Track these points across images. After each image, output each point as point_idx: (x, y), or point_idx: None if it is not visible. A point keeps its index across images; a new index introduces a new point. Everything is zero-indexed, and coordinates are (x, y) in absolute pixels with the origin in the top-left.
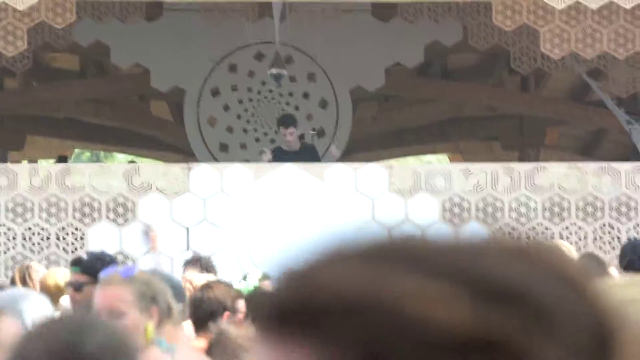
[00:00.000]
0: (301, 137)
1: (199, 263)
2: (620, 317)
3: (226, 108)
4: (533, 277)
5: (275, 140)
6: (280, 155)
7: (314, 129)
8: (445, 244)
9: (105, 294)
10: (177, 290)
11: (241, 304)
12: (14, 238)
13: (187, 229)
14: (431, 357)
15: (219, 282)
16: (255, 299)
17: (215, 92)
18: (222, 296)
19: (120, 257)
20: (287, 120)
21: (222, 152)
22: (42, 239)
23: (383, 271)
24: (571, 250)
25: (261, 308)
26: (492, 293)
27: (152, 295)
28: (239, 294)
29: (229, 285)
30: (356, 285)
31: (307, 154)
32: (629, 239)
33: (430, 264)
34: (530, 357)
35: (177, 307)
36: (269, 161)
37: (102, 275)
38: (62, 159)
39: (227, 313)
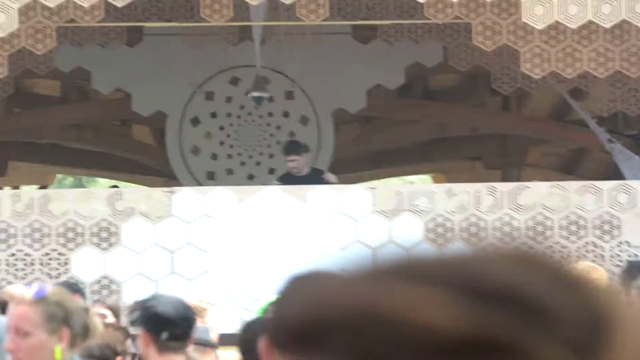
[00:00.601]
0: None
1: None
2: (616, 314)
3: (208, 136)
4: (525, 278)
5: (261, 162)
6: (288, 181)
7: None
8: (439, 255)
9: (14, 313)
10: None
11: (129, 344)
12: None
13: (171, 252)
14: None
15: (107, 325)
16: (263, 320)
17: (195, 120)
18: (111, 341)
19: (105, 282)
20: (288, 148)
21: (209, 180)
22: (26, 265)
23: (381, 286)
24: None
25: (268, 327)
26: (483, 295)
27: (63, 316)
28: (126, 335)
29: (117, 328)
30: (355, 301)
31: (314, 178)
32: (629, 261)
33: (424, 274)
34: (526, 353)
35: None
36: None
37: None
38: (43, 188)
39: (118, 358)
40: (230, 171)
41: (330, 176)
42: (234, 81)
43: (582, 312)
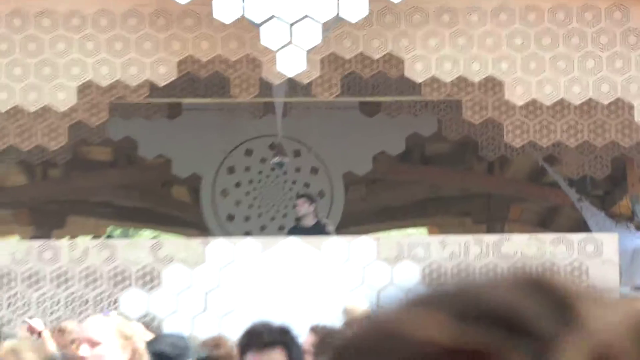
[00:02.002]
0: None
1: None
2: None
3: (238, 185)
4: (519, 299)
5: (281, 214)
6: (297, 232)
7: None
8: (457, 285)
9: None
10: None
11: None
12: (57, 303)
13: (205, 293)
14: None
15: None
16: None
17: (224, 192)
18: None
19: (148, 318)
20: (303, 195)
21: (228, 222)
22: (81, 304)
23: (402, 313)
24: None
25: (330, 348)
26: (477, 314)
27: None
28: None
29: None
30: (378, 326)
31: (318, 230)
32: None
33: (437, 301)
34: None
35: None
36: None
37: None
38: (97, 238)
39: None
40: (248, 217)
41: (329, 226)
42: (249, 152)
43: (573, 338)
